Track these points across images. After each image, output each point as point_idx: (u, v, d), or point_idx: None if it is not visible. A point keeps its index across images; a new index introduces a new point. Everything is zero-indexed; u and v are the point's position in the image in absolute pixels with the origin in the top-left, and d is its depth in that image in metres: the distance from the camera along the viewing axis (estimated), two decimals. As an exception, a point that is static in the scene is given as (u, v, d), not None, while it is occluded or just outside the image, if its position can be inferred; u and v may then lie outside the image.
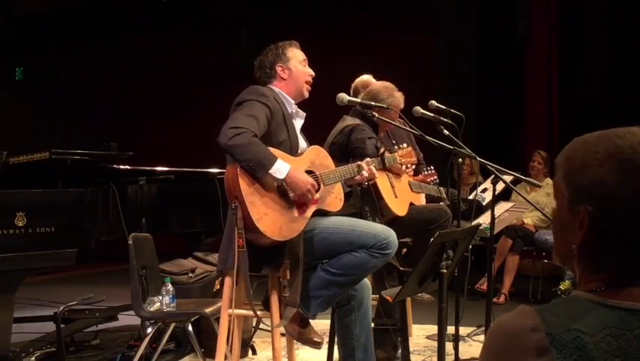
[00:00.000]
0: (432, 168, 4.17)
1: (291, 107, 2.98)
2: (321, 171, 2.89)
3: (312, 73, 3.03)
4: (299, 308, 2.77)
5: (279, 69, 2.97)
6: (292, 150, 2.87)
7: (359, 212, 3.32)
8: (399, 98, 3.67)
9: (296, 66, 2.98)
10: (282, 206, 2.73)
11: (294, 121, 2.96)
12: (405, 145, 3.39)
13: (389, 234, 2.82)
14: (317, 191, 2.82)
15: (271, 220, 2.66)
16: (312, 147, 3.02)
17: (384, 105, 3.42)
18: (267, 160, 2.63)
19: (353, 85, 4.21)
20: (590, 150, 1.03)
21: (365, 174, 2.98)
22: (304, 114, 3.03)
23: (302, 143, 2.99)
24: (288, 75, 2.97)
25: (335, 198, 2.96)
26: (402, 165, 3.29)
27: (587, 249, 1.05)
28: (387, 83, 3.76)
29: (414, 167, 3.49)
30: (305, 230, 2.78)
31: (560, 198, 1.09)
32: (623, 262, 1.02)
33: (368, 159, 3.09)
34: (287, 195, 2.74)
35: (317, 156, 2.97)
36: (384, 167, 3.23)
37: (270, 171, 2.63)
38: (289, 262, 2.77)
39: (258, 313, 2.89)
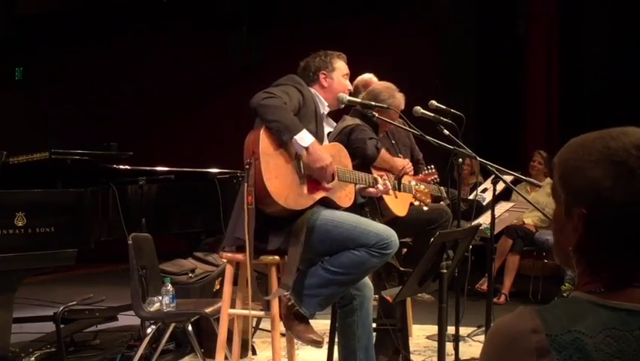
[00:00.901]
0: (432, 167, 4.18)
1: (324, 108, 3.06)
2: (338, 167, 2.92)
3: (350, 88, 3.16)
4: (288, 292, 2.75)
5: (321, 76, 3.06)
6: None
7: (359, 212, 3.32)
8: (399, 98, 3.68)
9: (338, 78, 3.09)
10: (294, 178, 2.77)
11: (324, 124, 3.04)
12: (423, 187, 3.46)
13: (390, 234, 2.83)
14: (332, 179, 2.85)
15: (280, 185, 2.70)
16: (335, 143, 3.11)
17: (385, 105, 3.42)
18: (294, 126, 2.69)
19: (354, 84, 4.21)
20: (585, 152, 1.03)
21: (380, 187, 3.08)
22: (334, 124, 3.15)
23: (326, 143, 3.07)
24: (328, 84, 3.06)
25: (345, 195, 3.00)
26: (415, 199, 3.37)
27: (584, 251, 1.05)
28: (389, 84, 3.77)
29: (426, 208, 3.54)
30: (310, 217, 2.79)
31: (557, 200, 1.09)
32: (620, 264, 1.02)
33: (385, 175, 3.14)
34: (302, 171, 2.78)
35: (338, 153, 3.04)
36: (398, 190, 3.30)
37: (296, 137, 2.68)
38: (289, 243, 2.76)
39: (255, 307, 2.89)
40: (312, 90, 3.04)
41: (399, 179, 3.28)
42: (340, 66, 3.11)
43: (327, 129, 3.09)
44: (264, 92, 2.71)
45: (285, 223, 2.76)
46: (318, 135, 2.93)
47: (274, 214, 2.73)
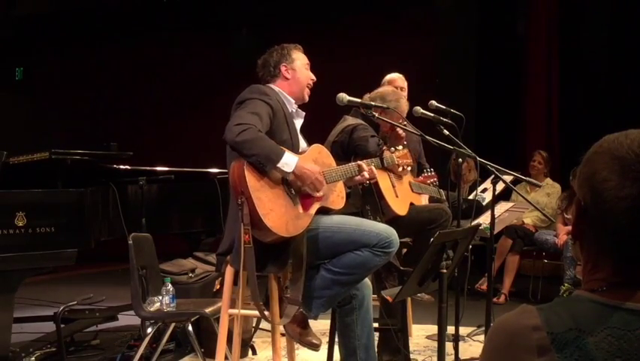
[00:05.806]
0: (431, 169, 4.18)
1: (292, 106, 2.98)
2: (323, 169, 2.89)
3: (314, 78, 3.05)
4: (300, 308, 2.76)
5: (283, 69, 2.98)
6: (293, 150, 2.86)
7: (360, 211, 3.32)
8: (404, 104, 3.69)
9: (300, 68, 3.00)
10: (287, 202, 2.73)
11: (294, 121, 2.97)
12: (400, 147, 3.38)
13: (391, 233, 2.83)
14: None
15: (277, 216, 2.66)
16: (314, 145, 3.02)
17: (385, 105, 3.43)
18: (275, 154, 2.64)
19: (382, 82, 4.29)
20: (599, 144, 1.05)
21: (366, 174, 3.00)
22: (304, 113, 3.04)
23: (302, 143, 2.99)
24: (291, 76, 2.99)
25: (337, 196, 2.97)
26: (399, 165, 3.29)
27: (582, 242, 1.06)
28: (396, 90, 3.80)
29: (410, 168, 3.49)
30: (308, 229, 2.78)
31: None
32: (620, 262, 1.02)
33: (368, 160, 3.09)
34: (292, 192, 2.75)
35: (319, 155, 2.98)
36: (383, 167, 3.23)
37: (279, 165, 2.63)
38: (292, 261, 2.77)
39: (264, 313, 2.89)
40: (276, 88, 2.96)
41: (380, 155, 3.21)
42: (299, 57, 3.03)
43: (298, 123, 3.01)
44: (236, 124, 2.60)
45: (283, 247, 2.74)
46: (293, 141, 2.88)
47: (273, 242, 2.71)
